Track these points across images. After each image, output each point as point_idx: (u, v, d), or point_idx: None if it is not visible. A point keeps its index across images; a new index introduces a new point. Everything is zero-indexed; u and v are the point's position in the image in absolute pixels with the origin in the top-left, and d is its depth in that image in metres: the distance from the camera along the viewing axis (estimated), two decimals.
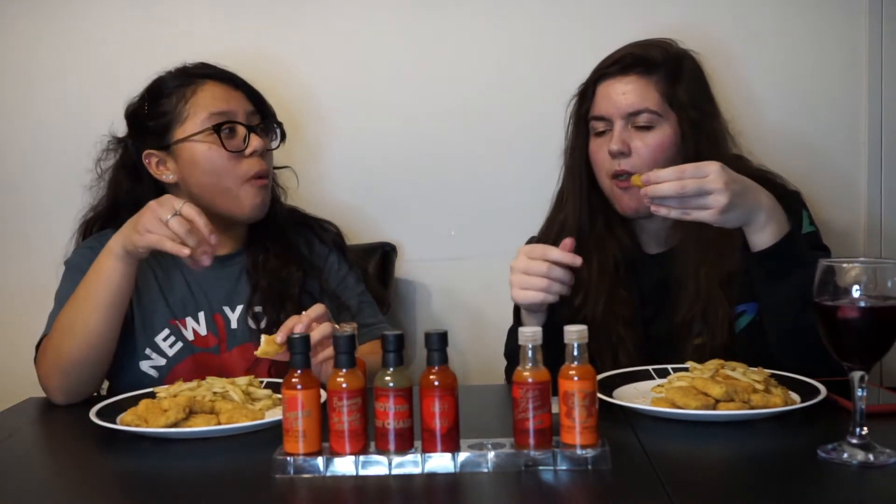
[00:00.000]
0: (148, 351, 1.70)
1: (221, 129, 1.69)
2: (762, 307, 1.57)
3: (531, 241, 2.05)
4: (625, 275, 1.74)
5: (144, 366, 1.69)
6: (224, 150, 1.68)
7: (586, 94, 1.74)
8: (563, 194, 1.79)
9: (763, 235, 1.47)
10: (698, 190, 1.39)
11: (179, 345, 1.71)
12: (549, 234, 1.77)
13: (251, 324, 1.74)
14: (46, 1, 2.22)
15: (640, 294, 1.74)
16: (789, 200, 1.55)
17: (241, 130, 1.71)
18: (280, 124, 1.81)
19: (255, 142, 1.71)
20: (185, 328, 1.73)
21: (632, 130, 1.67)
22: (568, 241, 1.51)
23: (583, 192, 1.75)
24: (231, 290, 1.77)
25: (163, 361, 1.70)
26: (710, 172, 1.39)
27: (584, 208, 1.75)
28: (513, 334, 1.70)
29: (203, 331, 1.73)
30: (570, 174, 1.78)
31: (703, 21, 2.14)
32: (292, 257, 1.79)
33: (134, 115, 1.78)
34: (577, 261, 1.49)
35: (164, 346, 1.71)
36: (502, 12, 2.20)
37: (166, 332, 1.71)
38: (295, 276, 1.76)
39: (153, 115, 1.73)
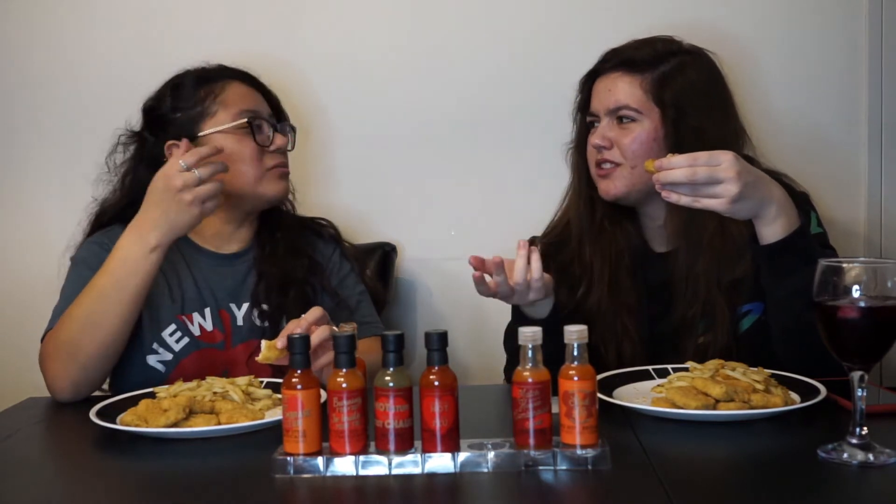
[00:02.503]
0: (155, 345, 1.72)
1: (254, 123, 1.76)
2: (768, 301, 1.57)
3: (532, 239, 2.07)
4: (630, 265, 1.75)
5: (151, 360, 1.71)
6: (254, 144, 1.76)
7: (584, 90, 1.79)
8: (568, 187, 1.84)
9: (773, 229, 1.47)
10: (709, 178, 1.39)
11: (186, 340, 1.73)
12: (558, 224, 1.83)
13: (256, 321, 1.76)
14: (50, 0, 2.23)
15: (647, 291, 1.75)
16: (798, 201, 1.55)
17: (267, 127, 1.79)
18: (294, 128, 1.88)
19: (279, 139, 1.80)
20: (192, 323, 1.74)
21: (615, 125, 1.71)
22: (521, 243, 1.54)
23: (582, 183, 1.79)
24: (237, 287, 1.79)
25: (169, 356, 1.72)
26: (723, 161, 1.40)
27: (584, 198, 1.78)
28: (511, 333, 1.71)
29: (209, 326, 1.75)
30: (571, 166, 1.83)
31: (703, 21, 2.13)
32: (299, 250, 1.84)
33: (155, 108, 1.81)
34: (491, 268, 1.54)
35: (170, 340, 1.72)
36: (504, 11, 2.19)
37: (173, 326, 1.73)
38: (300, 266, 1.81)
39: (179, 108, 1.77)
